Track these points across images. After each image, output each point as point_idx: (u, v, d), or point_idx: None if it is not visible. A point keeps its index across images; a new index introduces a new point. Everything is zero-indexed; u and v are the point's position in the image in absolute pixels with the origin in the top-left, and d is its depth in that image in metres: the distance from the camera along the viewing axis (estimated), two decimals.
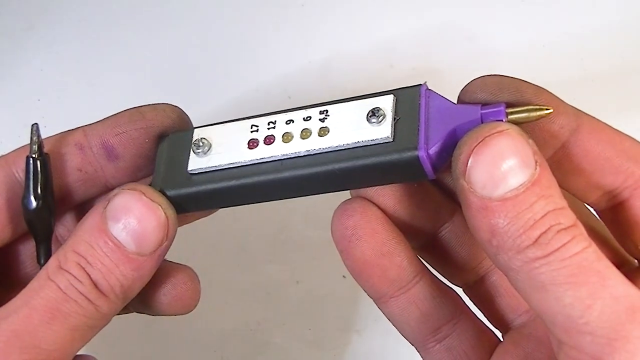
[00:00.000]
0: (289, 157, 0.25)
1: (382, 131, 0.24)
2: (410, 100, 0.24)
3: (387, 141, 0.24)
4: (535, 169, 0.22)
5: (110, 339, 0.47)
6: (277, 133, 0.25)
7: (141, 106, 0.28)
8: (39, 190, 0.27)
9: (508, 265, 0.22)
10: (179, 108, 0.28)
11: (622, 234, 0.26)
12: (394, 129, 0.24)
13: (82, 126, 0.28)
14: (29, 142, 0.27)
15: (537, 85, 0.25)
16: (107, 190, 0.29)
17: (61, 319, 0.24)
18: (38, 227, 0.27)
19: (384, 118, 0.24)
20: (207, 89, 0.49)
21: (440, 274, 0.30)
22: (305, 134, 0.25)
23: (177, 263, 0.29)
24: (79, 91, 0.50)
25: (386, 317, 0.29)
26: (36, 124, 0.27)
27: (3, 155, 0.28)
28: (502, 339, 0.29)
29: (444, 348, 0.29)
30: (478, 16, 0.50)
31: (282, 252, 0.45)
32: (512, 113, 0.23)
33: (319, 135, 0.25)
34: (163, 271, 0.28)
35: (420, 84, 0.25)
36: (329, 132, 0.25)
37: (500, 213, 0.21)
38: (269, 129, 0.26)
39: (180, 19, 0.52)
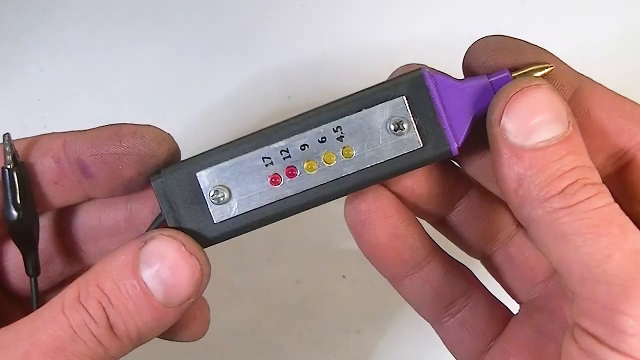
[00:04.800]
0: (319, 184, 0.25)
1: (411, 141, 0.24)
2: (421, 95, 0.24)
3: (417, 148, 0.24)
4: (568, 127, 0.22)
5: None
6: (296, 162, 0.25)
7: (123, 125, 0.26)
8: (18, 201, 0.26)
9: (531, 215, 0.22)
10: (162, 132, 0.26)
11: (629, 198, 0.26)
12: (419, 132, 0.24)
13: (63, 134, 0.27)
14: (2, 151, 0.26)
15: (537, 46, 0.25)
16: (87, 199, 0.27)
17: (65, 358, 0.23)
18: (22, 238, 0.27)
19: (407, 127, 0.24)
20: (207, 89, 0.49)
21: (458, 246, 0.30)
22: (329, 158, 0.25)
23: None
24: (79, 91, 0.50)
25: (401, 295, 0.29)
26: (8, 133, 0.26)
27: None
28: (515, 313, 0.30)
29: (457, 322, 0.29)
30: (479, 17, 0.50)
31: (282, 252, 0.45)
32: (516, 75, 0.24)
33: (344, 157, 0.24)
34: None
35: (420, 70, 0.24)
36: (353, 152, 0.24)
37: (530, 162, 0.22)
38: (284, 158, 0.24)
39: (180, 18, 0.52)
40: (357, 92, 0.25)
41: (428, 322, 0.30)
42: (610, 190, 0.26)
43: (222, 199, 0.25)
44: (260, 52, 0.51)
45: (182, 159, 0.26)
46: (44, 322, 0.23)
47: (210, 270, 0.25)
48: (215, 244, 0.25)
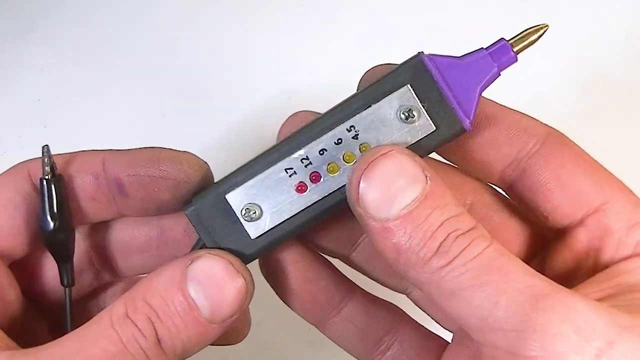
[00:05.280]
0: (344, 184, 0.25)
1: (424, 125, 0.25)
2: (424, 80, 0.25)
3: (432, 131, 0.25)
4: (427, 183, 0.22)
5: None
6: (318, 168, 0.25)
7: (162, 150, 0.27)
8: (55, 211, 0.26)
9: (418, 279, 0.22)
10: (198, 160, 0.27)
11: (530, 207, 0.26)
12: (430, 116, 0.25)
13: (102, 152, 0.28)
14: (41, 161, 0.26)
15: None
16: (120, 216, 0.28)
17: None
18: (57, 248, 0.27)
19: (417, 113, 0.24)
20: (207, 90, 0.49)
21: (380, 283, 0.30)
22: (348, 157, 0.25)
23: None
24: (79, 91, 0.50)
25: (329, 338, 0.30)
26: (47, 145, 0.26)
27: (23, 162, 0.28)
28: (449, 342, 0.30)
29: (389, 359, 0.29)
30: (479, 17, 0.50)
31: None
32: (515, 43, 0.25)
33: (363, 153, 0.25)
34: None
35: (419, 56, 0.25)
36: (370, 147, 0.25)
37: (399, 231, 0.22)
38: (306, 166, 0.25)
39: (180, 20, 0.52)
40: (362, 90, 0.25)
41: None
42: (511, 199, 0.27)
43: (254, 215, 0.26)
44: (260, 52, 0.51)
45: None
46: (94, 337, 0.23)
47: (254, 289, 0.26)
48: (256, 258, 0.27)
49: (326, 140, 0.25)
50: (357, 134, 0.25)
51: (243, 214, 0.26)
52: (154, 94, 0.49)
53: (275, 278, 0.28)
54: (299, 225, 0.26)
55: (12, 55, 0.51)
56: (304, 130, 0.25)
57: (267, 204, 0.26)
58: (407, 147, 0.24)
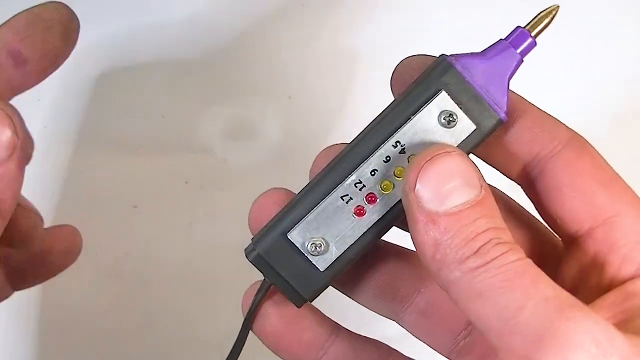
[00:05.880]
0: (400, 198, 0.26)
1: (465, 126, 0.25)
2: (457, 82, 0.25)
3: (473, 130, 0.25)
4: (481, 191, 0.23)
5: (111, 338, 0.47)
6: (372, 188, 0.26)
7: (30, 8, 0.28)
8: None
9: (449, 278, 0.23)
10: (63, 4, 0.29)
11: (543, 209, 0.27)
12: (469, 116, 0.25)
13: None
14: None
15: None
16: (15, 93, 0.29)
17: None
18: None
19: (457, 116, 0.25)
20: (207, 90, 0.49)
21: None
22: (399, 172, 0.26)
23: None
24: (79, 91, 0.50)
25: None
26: None
27: None
28: None
29: None
30: (479, 16, 0.50)
31: None
32: (531, 29, 0.26)
33: None
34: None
35: (446, 59, 0.25)
36: None
37: (445, 226, 0.23)
38: (360, 189, 0.26)
39: (181, 20, 0.52)
40: (395, 104, 0.26)
41: None
42: (531, 200, 0.28)
43: (320, 249, 0.26)
44: (260, 52, 0.51)
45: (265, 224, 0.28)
46: None
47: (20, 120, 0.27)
48: (327, 287, 0.27)
49: (374, 160, 0.26)
50: (404, 148, 0.25)
51: (309, 249, 0.26)
52: (153, 94, 0.49)
53: (258, 325, 0.29)
54: (363, 247, 0.26)
55: None
56: (349, 156, 0.26)
57: (330, 234, 0.26)
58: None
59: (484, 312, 0.22)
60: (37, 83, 0.29)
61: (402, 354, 0.30)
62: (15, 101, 0.51)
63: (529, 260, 0.22)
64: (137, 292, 0.47)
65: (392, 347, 0.31)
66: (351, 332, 0.30)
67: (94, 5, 0.47)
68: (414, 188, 0.23)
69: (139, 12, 0.52)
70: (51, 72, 0.29)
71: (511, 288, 0.21)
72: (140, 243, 0.48)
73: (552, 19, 0.26)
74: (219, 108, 0.49)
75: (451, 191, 0.23)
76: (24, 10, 0.28)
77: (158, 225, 0.48)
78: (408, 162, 0.25)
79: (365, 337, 0.30)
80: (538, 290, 0.21)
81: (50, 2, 0.28)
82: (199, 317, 0.47)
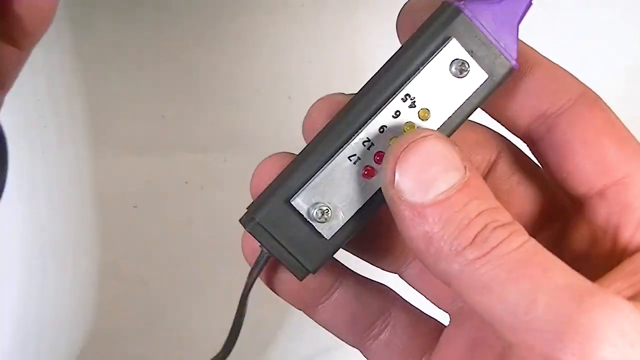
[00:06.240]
0: None
1: (477, 75, 0.23)
2: (466, 29, 0.23)
3: (486, 79, 0.23)
4: (465, 172, 0.21)
5: (111, 338, 0.47)
6: (382, 147, 0.24)
7: None
8: None
9: (448, 272, 0.21)
10: None
11: (551, 168, 0.25)
12: (480, 64, 0.23)
13: None
14: None
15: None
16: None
17: None
18: None
19: (469, 65, 0.23)
20: (208, 90, 0.49)
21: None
22: (410, 128, 0.23)
23: None
24: (79, 91, 0.50)
25: (318, 323, 0.29)
26: None
27: None
28: (446, 324, 0.28)
29: (382, 344, 0.28)
30: None
31: None
32: None
33: (423, 120, 0.24)
34: None
35: (454, 5, 0.23)
36: (429, 112, 0.24)
37: (434, 217, 0.21)
38: (369, 148, 0.24)
39: (181, 20, 0.52)
40: (403, 52, 0.24)
41: (354, 347, 0.29)
42: (535, 156, 0.26)
43: (327, 215, 0.24)
44: (260, 52, 0.51)
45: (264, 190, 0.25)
46: None
47: None
48: (332, 256, 0.25)
49: (383, 116, 0.23)
50: (414, 101, 0.23)
51: (314, 216, 0.24)
52: (154, 94, 0.49)
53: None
54: (371, 211, 0.24)
55: None
56: (354, 111, 0.24)
57: (337, 198, 0.24)
58: (464, 101, 0.23)
59: (492, 307, 0.20)
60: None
61: (406, 300, 0.29)
62: (16, 101, 0.51)
63: (534, 242, 0.21)
64: (137, 292, 0.47)
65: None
66: (358, 276, 0.28)
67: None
68: (394, 182, 0.21)
69: (138, 13, 0.52)
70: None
71: (518, 279, 0.20)
72: (140, 243, 0.48)
73: None
74: (219, 108, 0.49)
75: (434, 178, 0.21)
76: None
77: (158, 225, 0.48)
78: (419, 116, 0.23)
79: (372, 281, 0.29)
80: (549, 278, 0.20)
81: None
82: (199, 317, 0.47)
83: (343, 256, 0.29)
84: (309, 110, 0.26)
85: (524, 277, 0.20)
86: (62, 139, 0.48)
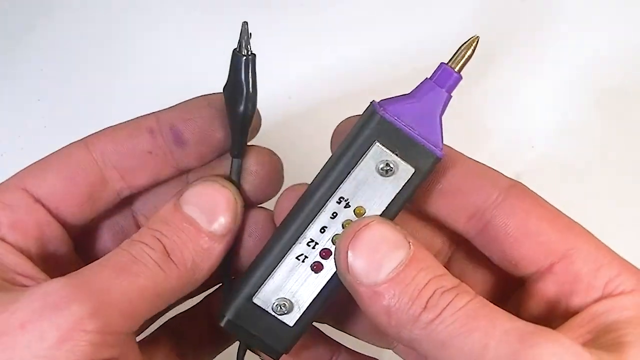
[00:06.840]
0: None
1: (404, 171, 0.26)
2: (388, 131, 0.26)
3: (412, 173, 0.26)
4: (410, 248, 0.24)
5: None
6: (325, 244, 0.27)
7: (208, 95, 0.30)
8: (251, 90, 0.28)
9: (411, 338, 0.24)
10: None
11: (496, 256, 0.27)
12: (406, 160, 0.26)
13: (155, 112, 0.30)
14: (240, 41, 0.29)
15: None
16: (178, 172, 0.30)
17: (129, 276, 0.25)
18: (245, 124, 0.28)
19: (394, 164, 0.26)
20: (207, 90, 0.49)
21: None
22: (348, 224, 0.26)
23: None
24: (79, 91, 0.50)
25: None
26: (246, 22, 0.29)
27: (83, 139, 0.30)
28: None
29: None
30: (480, 17, 0.50)
31: None
32: (455, 63, 0.26)
33: (358, 217, 0.26)
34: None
35: (375, 109, 0.26)
36: (365, 208, 0.26)
37: (389, 293, 0.24)
38: (314, 247, 0.27)
39: (180, 18, 0.52)
40: (332, 161, 0.27)
41: None
42: (478, 248, 0.28)
43: (285, 307, 0.27)
44: (260, 52, 0.51)
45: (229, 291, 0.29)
46: (107, 258, 0.26)
47: (243, 205, 0.29)
48: (299, 338, 0.28)
49: (322, 218, 0.27)
50: (348, 202, 0.26)
51: (275, 309, 0.27)
52: (154, 94, 0.49)
53: None
54: (326, 298, 0.27)
55: (12, 55, 0.51)
56: (299, 216, 0.27)
57: (292, 292, 0.27)
58: (395, 194, 0.26)
59: (453, 359, 0.23)
60: (197, 165, 0.30)
61: None
62: (16, 101, 0.51)
63: (480, 298, 0.23)
64: None
65: None
66: (352, 351, 0.31)
67: None
68: (348, 269, 0.24)
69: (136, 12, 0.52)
70: (212, 159, 0.30)
71: (470, 331, 0.22)
72: None
73: (473, 50, 0.26)
74: None
75: (383, 258, 0.24)
76: (203, 95, 0.29)
77: None
78: (355, 214, 0.26)
79: (366, 355, 0.31)
80: (496, 326, 0.22)
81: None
82: None
83: (338, 334, 0.32)
84: (278, 199, 0.30)
85: (474, 329, 0.22)
86: (62, 138, 0.48)
